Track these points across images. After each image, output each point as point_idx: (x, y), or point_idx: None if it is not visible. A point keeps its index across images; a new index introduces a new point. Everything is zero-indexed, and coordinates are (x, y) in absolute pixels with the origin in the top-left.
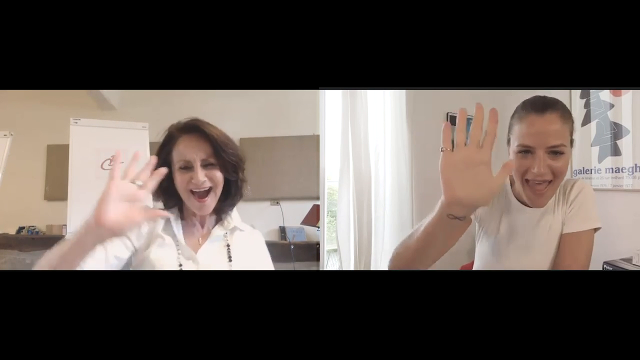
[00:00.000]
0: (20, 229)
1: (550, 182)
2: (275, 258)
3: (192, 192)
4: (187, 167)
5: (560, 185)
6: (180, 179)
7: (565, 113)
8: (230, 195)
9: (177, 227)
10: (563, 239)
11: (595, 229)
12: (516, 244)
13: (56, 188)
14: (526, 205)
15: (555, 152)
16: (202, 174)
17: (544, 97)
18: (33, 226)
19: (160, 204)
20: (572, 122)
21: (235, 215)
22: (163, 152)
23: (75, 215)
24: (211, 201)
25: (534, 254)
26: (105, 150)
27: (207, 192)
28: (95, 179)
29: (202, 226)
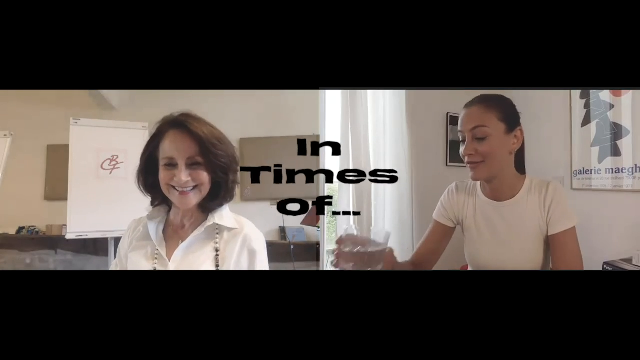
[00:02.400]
0: (20, 229)
1: (481, 162)
2: (275, 258)
3: (174, 187)
4: (172, 165)
5: (533, 184)
6: (163, 175)
7: (488, 103)
8: (218, 197)
9: (156, 232)
10: (554, 239)
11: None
12: (491, 235)
13: (56, 188)
14: (492, 199)
15: (479, 138)
16: (185, 174)
17: (479, 95)
18: (33, 226)
19: (130, 196)
20: (502, 109)
21: (223, 213)
22: (150, 147)
23: (75, 215)
24: (194, 197)
25: (511, 246)
26: (105, 150)
27: (191, 189)
28: (95, 179)
29: (184, 227)
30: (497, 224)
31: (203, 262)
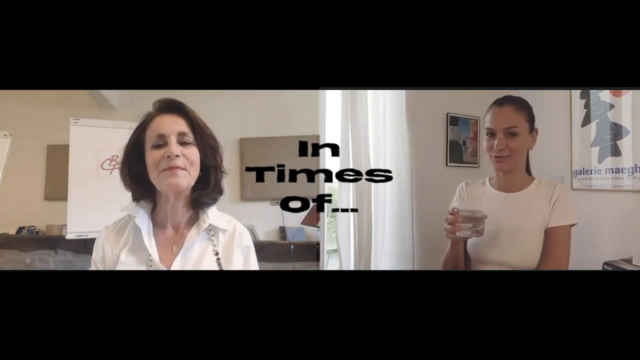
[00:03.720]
0: (20, 229)
1: (508, 156)
2: (275, 258)
3: (163, 169)
4: (161, 144)
5: (542, 183)
6: (152, 158)
7: (518, 105)
8: (208, 183)
9: (149, 238)
10: (549, 232)
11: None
12: (495, 225)
13: (56, 188)
14: (502, 191)
15: (510, 133)
16: (176, 146)
17: (507, 96)
18: (33, 226)
19: (129, 196)
20: (528, 112)
21: (212, 213)
22: (136, 133)
23: (75, 215)
24: (184, 177)
25: (513, 237)
26: (105, 150)
27: (181, 169)
28: (95, 179)
29: (176, 230)
30: (503, 214)
31: (204, 267)
